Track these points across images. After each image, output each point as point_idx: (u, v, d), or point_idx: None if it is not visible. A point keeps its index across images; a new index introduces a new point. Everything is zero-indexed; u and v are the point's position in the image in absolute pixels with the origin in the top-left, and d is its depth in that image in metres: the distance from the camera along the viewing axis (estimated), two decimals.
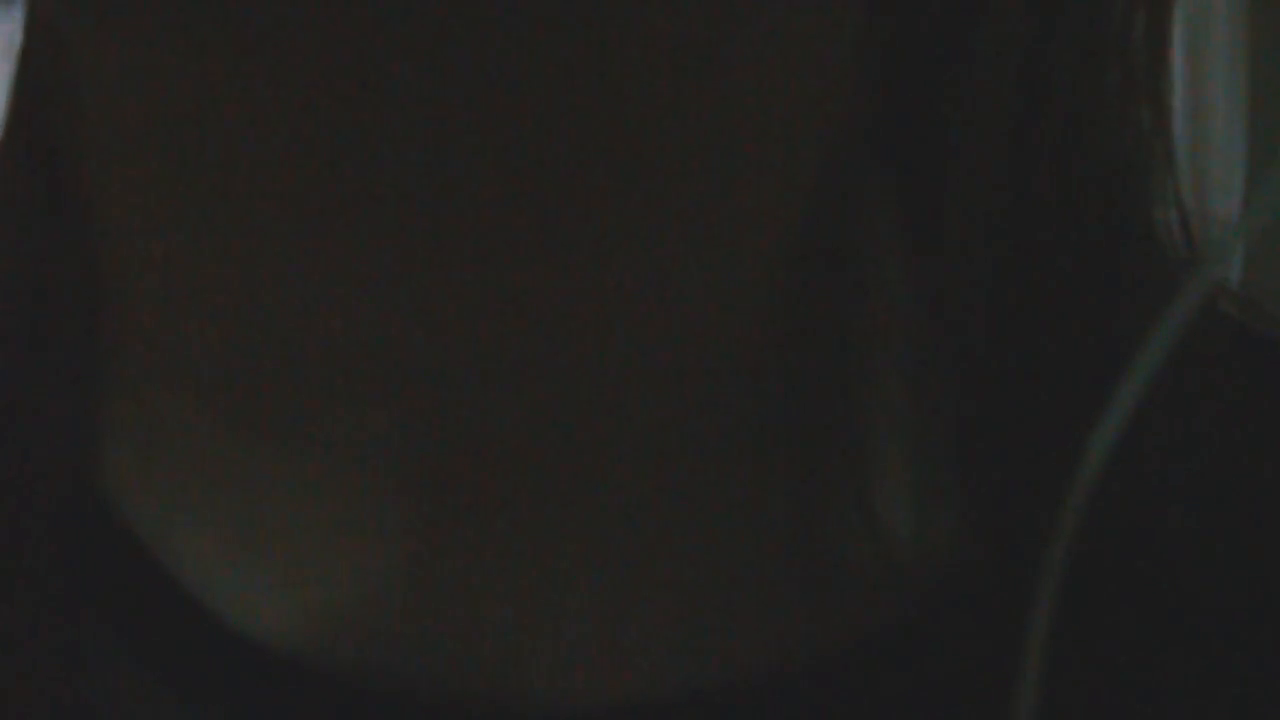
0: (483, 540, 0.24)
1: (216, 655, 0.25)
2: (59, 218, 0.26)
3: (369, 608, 0.24)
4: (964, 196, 0.25)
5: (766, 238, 0.24)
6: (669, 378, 0.24)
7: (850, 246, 0.25)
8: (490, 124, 0.22)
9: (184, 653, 0.25)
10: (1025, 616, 0.22)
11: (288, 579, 0.25)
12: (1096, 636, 0.25)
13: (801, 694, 0.24)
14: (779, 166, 0.24)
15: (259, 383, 0.24)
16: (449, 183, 0.23)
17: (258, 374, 0.24)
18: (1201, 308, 0.24)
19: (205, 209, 0.23)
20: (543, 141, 0.22)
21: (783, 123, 0.24)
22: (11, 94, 0.26)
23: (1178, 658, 0.26)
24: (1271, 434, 0.28)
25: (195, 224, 0.23)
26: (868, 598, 0.25)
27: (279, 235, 0.23)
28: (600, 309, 0.23)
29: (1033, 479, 0.24)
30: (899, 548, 0.25)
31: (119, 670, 0.25)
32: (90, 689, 0.25)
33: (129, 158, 0.24)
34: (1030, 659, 0.22)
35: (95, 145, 0.25)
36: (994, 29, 0.25)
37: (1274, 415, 0.28)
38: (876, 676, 0.24)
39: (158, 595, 0.25)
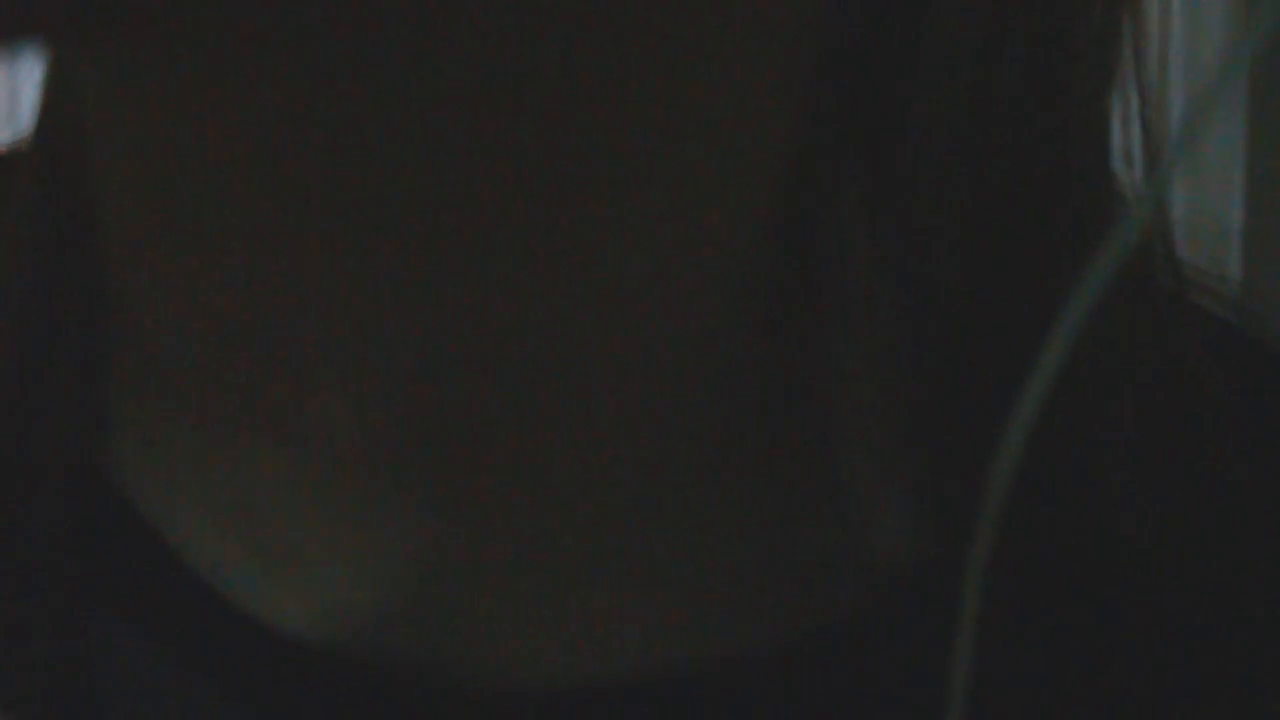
0: (471, 527, 0.25)
1: (224, 635, 0.26)
2: (68, 228, 0.28)
3: (364, 594, 0.26)
4: (927, 188, 0.25)
5: (739, 232, 0.25)
6: (647, 370, 0.25)
7: (818, 239, 0.26)
8: (476, 130, 0.23)
9: (192, 632, 0.26)
10: (983, 607, 0.23)
11: (285, 566, 0.26)
12: (1062, 629, 0.26)
13: (769, 677, 0.25)
14: (749, 162, 0.25)
15: (255, 381, 0.26)
16: (440, 186, 0.23)
17: (254, 372, 0.25)
18: (1154, 224, 0.25)
19: (197, 215, 0.24)
20: (524, 145, 0.23)
21: (750, 120, 0.25)
22: (33, 126, 0.28)
23: (1145, 661, 0.26)
24: (1256, 436, 0.28)
25: (188, 230, 0.25)
26: (834, 584, 0.26)
27: (274, 240, 0.24)
28: (584, 304, 0.24)
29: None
30: (864, 537, 0.26)
31: (129, 651, 0.26)
32: (100, 669, 0.26)
33: (130, 169, 0.25)
34: (961, 649, 0.22)
35: (100, 159, 0.26)
36: (947, 21, 0.25)
37: (1260, 417, 0.29)
38: (841, 662, 0.25)
39: (167, 577, 0.27)
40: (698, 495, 0.26)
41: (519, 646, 0.26)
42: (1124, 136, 0.27)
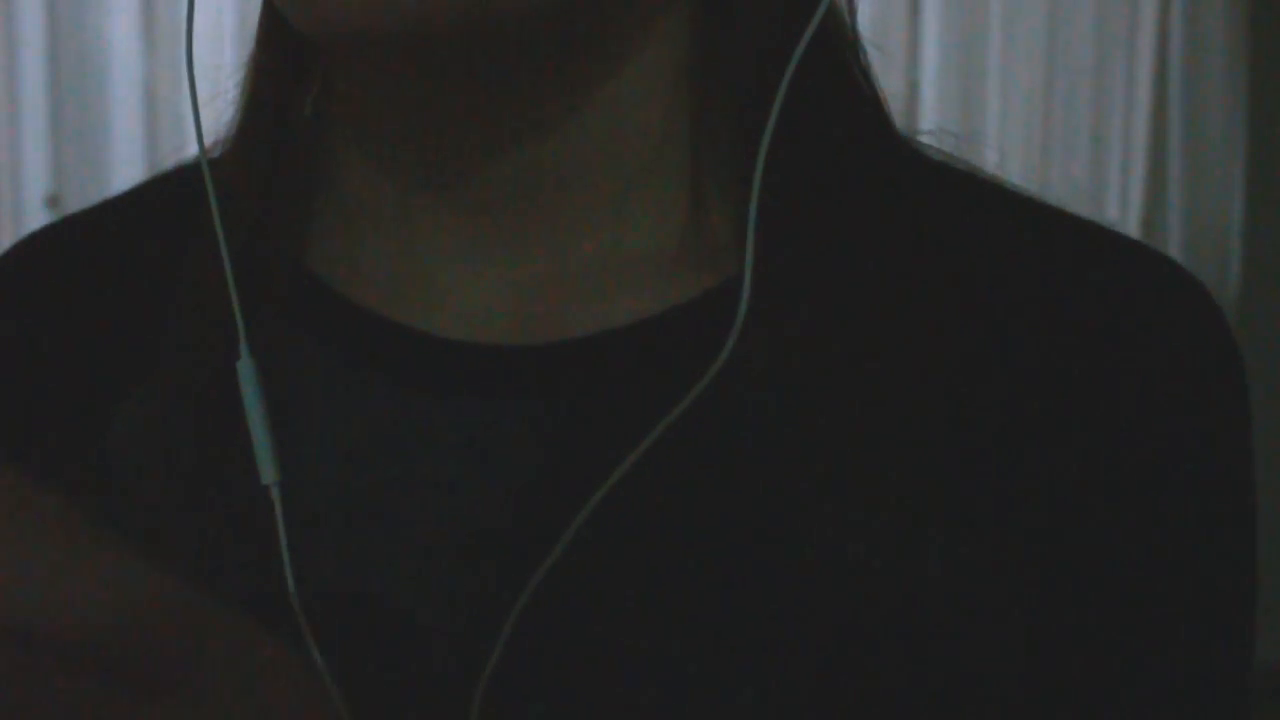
0: (545, 236, 0.43)
1: (387, 338, 0.43)
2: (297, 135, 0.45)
3: (479, 295, 0.43)
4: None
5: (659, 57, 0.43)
6: (621, 115, 0.43)
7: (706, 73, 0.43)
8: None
9: (370, 343, 0.43)
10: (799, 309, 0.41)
11: (431, 285, 0.44)
12: None
13: (660, 341, 0.42)
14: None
15: (419, 175, 0.43)
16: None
17: (421, 184, 0.43)
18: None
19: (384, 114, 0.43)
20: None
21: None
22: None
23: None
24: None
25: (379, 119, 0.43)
26: (721, 259, 0.43)
27: (421, 122, 0.43)
28: (586, 106, 0.42)
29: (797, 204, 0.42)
30: (728, 235, 0.43)
31: (323, 368, 0.43)
32: (303, 384, 0.43)
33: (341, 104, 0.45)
34: None
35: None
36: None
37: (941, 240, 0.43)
38: (711, 327, 0.41)
39: (353, 317, 0.44)
40: (638, 187, 0.43)
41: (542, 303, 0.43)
42: None
